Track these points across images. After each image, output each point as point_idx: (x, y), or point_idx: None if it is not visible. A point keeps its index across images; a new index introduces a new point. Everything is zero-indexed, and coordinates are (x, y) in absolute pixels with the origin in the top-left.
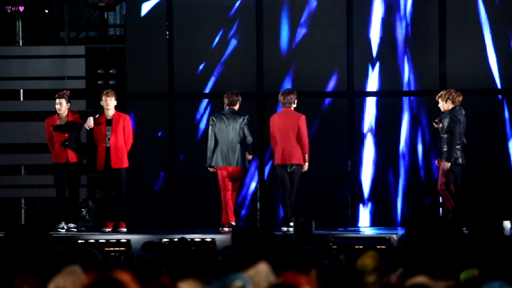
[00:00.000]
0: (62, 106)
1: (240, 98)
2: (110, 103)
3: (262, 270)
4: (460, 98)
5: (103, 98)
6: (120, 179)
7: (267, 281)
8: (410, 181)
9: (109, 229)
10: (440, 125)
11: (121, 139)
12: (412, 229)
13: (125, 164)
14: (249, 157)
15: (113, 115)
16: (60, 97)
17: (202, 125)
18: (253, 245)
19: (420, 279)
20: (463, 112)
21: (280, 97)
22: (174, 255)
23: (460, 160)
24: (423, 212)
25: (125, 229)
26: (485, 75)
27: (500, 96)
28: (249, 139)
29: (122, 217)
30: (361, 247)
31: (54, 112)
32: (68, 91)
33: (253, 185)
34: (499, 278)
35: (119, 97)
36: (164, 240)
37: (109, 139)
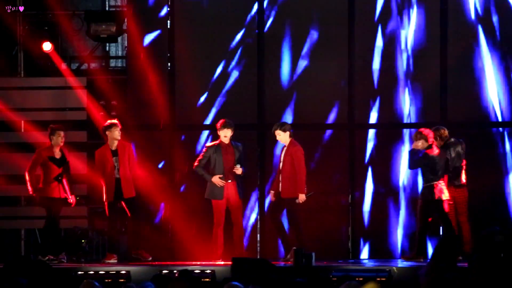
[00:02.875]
0: (63, 139)
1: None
2: (120, 134)
3: None
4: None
5: (113, 129)
6: (135, 208)
7: None
8: (411, 214)
9: (114, 260)
10: None
11: (128, 169)
12: (437, 261)
13: (134, 192)
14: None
15: (118, 145)
16: (62, 130)
17: None
18: (253, 277)
19: None
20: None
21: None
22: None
23: (429, 197)
24: (448, 244)
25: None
26: (486, 107)
27: (501, 128)
28: None
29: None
30: (361, 279)
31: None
32: None
33: (253, 217)
34: None
35: (121, 128)
36: (164, 271)
37: (118, 170)
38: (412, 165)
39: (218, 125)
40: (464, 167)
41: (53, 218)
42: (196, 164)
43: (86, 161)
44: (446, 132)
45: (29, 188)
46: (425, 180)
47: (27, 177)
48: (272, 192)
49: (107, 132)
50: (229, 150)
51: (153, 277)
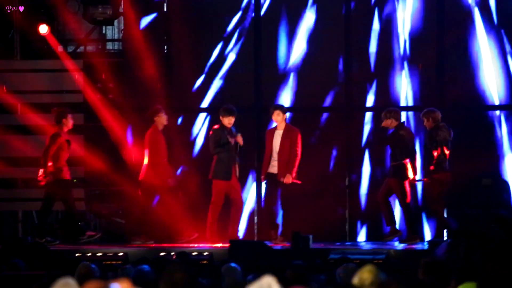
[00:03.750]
0: (72, 120)
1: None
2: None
3: (267, 283)
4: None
5: (161, 114)
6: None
7: None
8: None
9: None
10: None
11: None
12: (457, 242)
13: None
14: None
15: (163, 130)
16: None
17: (200, 139)
18: (251, 259)
19: None
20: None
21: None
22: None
23: (404, 175)
24: (467, 226)
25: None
26: (483, 91)
27: (498, 111)
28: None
29: None
30: (358, 261)
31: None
32: None
33: (250, 199)
34: None
35: (117, 111)
36: (162, 254)
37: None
38: (380, 143)
39: (223, 112)
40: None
41: (70, 201)
42: (213, 147)
43: (83, 144)
44: (439, 116)
45: (46, 171)
46: (393, 159)
47: (49, 162)
48: (262, 176)
49: (155, 118)
50: (231, 134)
51: (151, 260)
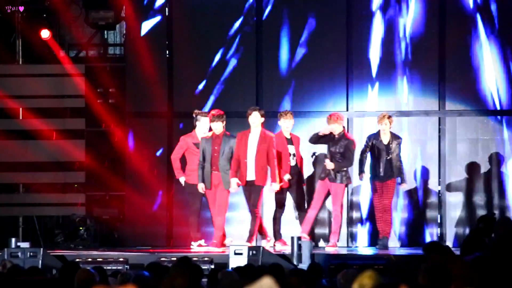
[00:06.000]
0: (208, 125)
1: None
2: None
3: (266, 285)
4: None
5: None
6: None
7: None
8: (408, 201)
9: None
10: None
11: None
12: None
13: None
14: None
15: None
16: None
17: None
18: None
19: None
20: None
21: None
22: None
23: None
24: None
25: None
26: (485, 96)
27: (499, 117)
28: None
29: None
30: (358, 267)
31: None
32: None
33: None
34: None
35: (119, 116)
36: (163, 258)
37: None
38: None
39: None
40: None
41: (193, 207)
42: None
43: (84, 149)
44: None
45: (175, 172)
46: (339, 165)
47: (176, 165)
48: (237, 180)
49: (219, 122)
50: (217, 141)
51: (148, 265)
